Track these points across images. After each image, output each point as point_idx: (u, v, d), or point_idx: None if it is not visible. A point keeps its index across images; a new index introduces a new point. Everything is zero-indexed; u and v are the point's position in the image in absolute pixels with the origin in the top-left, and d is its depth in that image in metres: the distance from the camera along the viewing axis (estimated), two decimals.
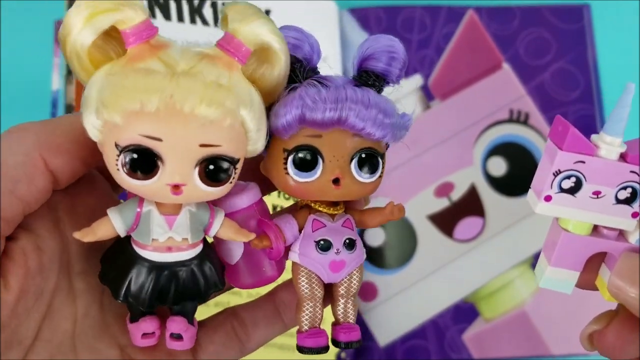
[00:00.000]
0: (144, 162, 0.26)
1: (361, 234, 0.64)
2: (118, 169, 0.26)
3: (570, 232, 0.28)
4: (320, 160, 0.29)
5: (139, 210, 0.28)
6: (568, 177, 0.27)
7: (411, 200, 0.65)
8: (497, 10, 0.70)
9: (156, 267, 0.29)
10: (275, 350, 0.57)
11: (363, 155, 0.30)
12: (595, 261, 0.29)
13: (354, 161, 0.30)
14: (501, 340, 0.63)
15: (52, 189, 0.28)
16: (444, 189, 0.66)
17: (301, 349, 0.32)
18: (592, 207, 0.27)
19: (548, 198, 0.28)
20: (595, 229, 0.29)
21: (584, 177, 0.27)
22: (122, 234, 0.28)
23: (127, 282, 0.29)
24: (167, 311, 0.31)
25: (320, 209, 0.32)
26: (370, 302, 0.64)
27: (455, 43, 0.69)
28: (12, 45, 0.66)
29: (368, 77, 0.30)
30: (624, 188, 0.27)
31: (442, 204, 0.66)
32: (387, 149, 0.32)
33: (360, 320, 0.63)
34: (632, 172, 0.27)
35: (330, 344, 0.32)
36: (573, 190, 0.27)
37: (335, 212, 0.32)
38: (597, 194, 0.27)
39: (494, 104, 0.66)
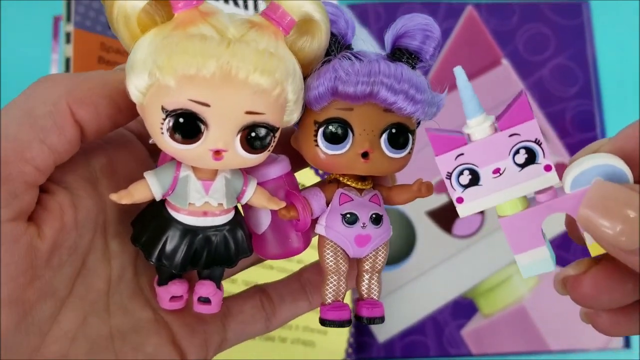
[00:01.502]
0: (190, 126, 0.26)
1: None
2: (162, 133, 0.26)
3: (505, 216, 0.28)
4: (350, 134, 0.30)
5: (176, 174, 0.29)
6: (461, 173, 0.28)
7: None
8: (497, 7, 0.70)
9: (191, 231, 0.29)
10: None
11: (393, 131, 0.30)
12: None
13: (384, 136, 0.30)
14: (500, 336, 0.63)
15: (80, 142, 0.29)
16: (443, 185, 0.66)
17: (323, 322, 0.32)
18: (503, 185, 0.28)
19: (460, 200, 0.28)
20: (534, 199, 0.29)
21: (474, 165, 0.28)
22: (158, 198, 0.29)
23: (161, 244, 0.29)
24: (194, 276, 0.32)
25: (349, 183, 0.32)
26: None
27: (455, 39, 0.69)
28: (11, 41, 0.66)
29: (402, 55, 0.30)
30: (517, 152, 0.27)
31: (441, 200, 0.66)
32: (418, 126, 0.32)
33: None
34: (511, 135, 0.27)
35: (352, 318, 0.33)
36: (475, 181, 0.28)
37: (364, 187, 0.32)
38: (497, 171, 0.27)
39: (493, 100, 0.66)
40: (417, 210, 0.66)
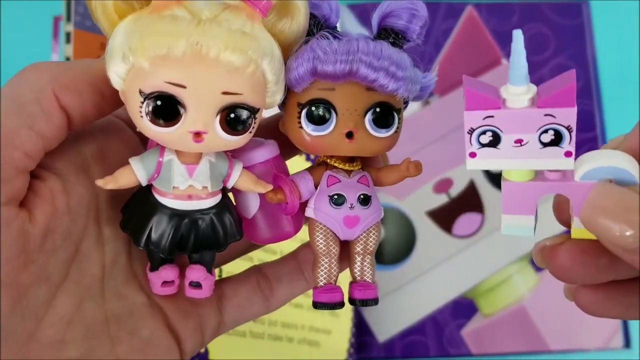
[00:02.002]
0: (167, 109, 0.26)
1: None
2: (141, 116, 0.27)
3: (510, 180, 0.29)
4: (333, 114, 0.29)
5: (160, 159, 0.29)
6: (484, 133, 0.28)
7: (410, 196, 0.65)
8: (497, 7, 0.70)
9: (177, 215, 0.29)
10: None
11: (377, 109, 0.30)
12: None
13: (368, 115, 0.30)
14: (500, 336, 0.63)
15: (67, 128, 0.29)
16: (443, 185, 0.66)
17: (316, 304, 0.32)
18: (519, 155, 0.28)
19: (472, 154, 0.29)
20: (542, 173, 0.29)
21: (499, 129, 0.28)
22: (144, 183, 0.29)
23: (148, 229, 0.29)
24: (186, 261, 0.32)
25: (336, 164, 0.32)
26: None
27: (455, 39, 0.69)
28: (11, 41, 0.66)
29: (388, 35, 0.30)
30: (545, 131, 0.27)
31: (441, 199, 0.66)
32: (406, 106, 0.32)
33: (359, 317, 0.63)
34: (546, 115, 0.27)
35: (346, 301, 0.33)
36: (493, 143, 0.28)
37: (352, 168, 0.32)
38: (519, 142, 0.28)
39: None
40: (417, 210, 0.66)
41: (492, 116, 0.28)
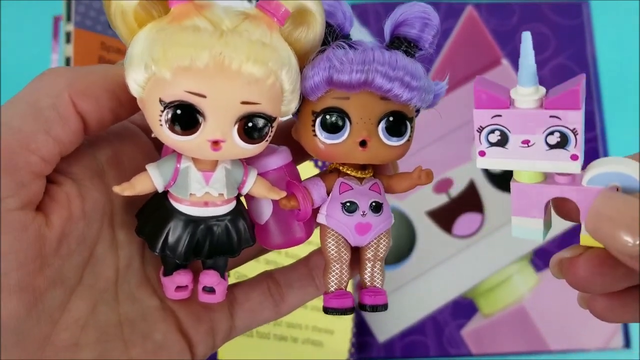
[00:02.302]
0: (187, 117, 0.27)
1: None
2: (161, 125, 0.27)
3: (519, 182, 0.29)
4: (347, 122, 0.30)
5: (177, 166, 0.29)
6: (492, 132, 0.28)
7: (410, 196, 0.65)
8: (496, 7, 0.70)
9: (193, 221, 0.30)
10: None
11: (391, 119, 0.30)
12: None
13: (382, 124, 0.30)
14: (500, 336, 0.63)
15: (83, 134, 0.29)
16: (443, 185, 0.66)
17: (327, 310, 0.32)
18: (526, 156, 0.28)
19: (482, 153, 0.29)
20: (552, 176, 0.29)
21: (507, 129, 0.28)
22: (160, 189, 0.29)
23: (164, 235, 0.30)
24: (199, 266, 0.32)
25: (349, 172, 0.32)
26: None
27: (455, 39, 0.69)
28: (11, 41, 0.66)
29: (400, 43, 0.31)
30: (551, 133, 0.27)
31: (441, 199, 0.66)
32: (417, 114, 0.32)
33: (359, 317, 0.63)
34: (552, 117, 0.27)
35: (356, 306, 0.33)
36: (502, 143, 0.28)
37: (364, 175, 0.32)
38: (526, 142, 0.28)
39: None
40: (417, 210, 0.66)
41: (500, 115, 0.28)
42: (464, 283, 0.65)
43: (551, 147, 0.28)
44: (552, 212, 0.30)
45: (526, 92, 0.27)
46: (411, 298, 0.65)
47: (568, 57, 0.69)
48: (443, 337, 0.64)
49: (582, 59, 0.69)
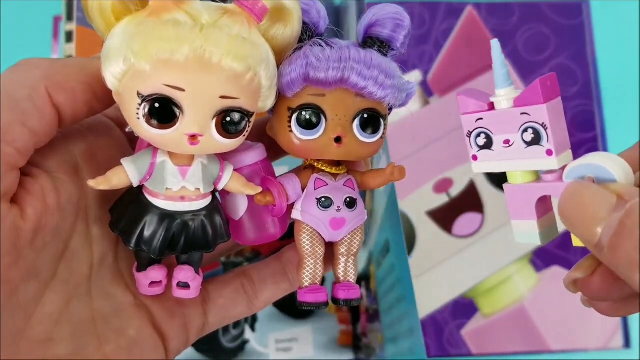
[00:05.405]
0: (165, 111, 0.27)
1: None
2: (138, 118, 0.27)
3: (512, 183, 0.30)
4: (323, 119, 0.30)
5: (153, 160, 0.29)
6: (479, 135, 0.30)
7: (410, 196, 0.65)
8: (496, 6, 0.70)
9: (168, 216, 0.30)
10: None
11: (365, 116, 0.31)
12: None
13: (356, 121, 0.31)
14: (500, 336, 0.63)
15: (58, 126, 0.29)
16: (443, 185, 0.66)
17: (301, 304, 0.33)
18: (510, 156, 0.30)
19: (474, 157, 0.31)
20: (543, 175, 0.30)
21: (490, 131, 0.30)
22: (136, 183, 0.29)
23: (139, 230, 0.30)
24: (173, 262, 0.32)
25: (323, 168, 0.33)
26: None
27: (454, 39, 0.69)
28: (11, 41, 0.66)
29: (373, 43, 0.31)
30: (525, 130, 0.29)
31: (441, 199, 0.66)
32: (390, 112, 0.33)
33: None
34: (522, 114, 0.29)
35: (330, 301, 0.33)
36: (488, 145, 0.30)
37: (338, 172, 0.33)
38: (507, 142, 0.29)
39: None
40: (417, 210, 0.66)
41: (482, 118, 0.30)
42: (464, 283, 0.65)
43: (528, 144, 0.29)
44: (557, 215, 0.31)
45: (502, 94, 0.29)
46: None
47: (568, 57, 0.69)
48: (443, 337, 0.64)
49: (582, 58, 0.69)
